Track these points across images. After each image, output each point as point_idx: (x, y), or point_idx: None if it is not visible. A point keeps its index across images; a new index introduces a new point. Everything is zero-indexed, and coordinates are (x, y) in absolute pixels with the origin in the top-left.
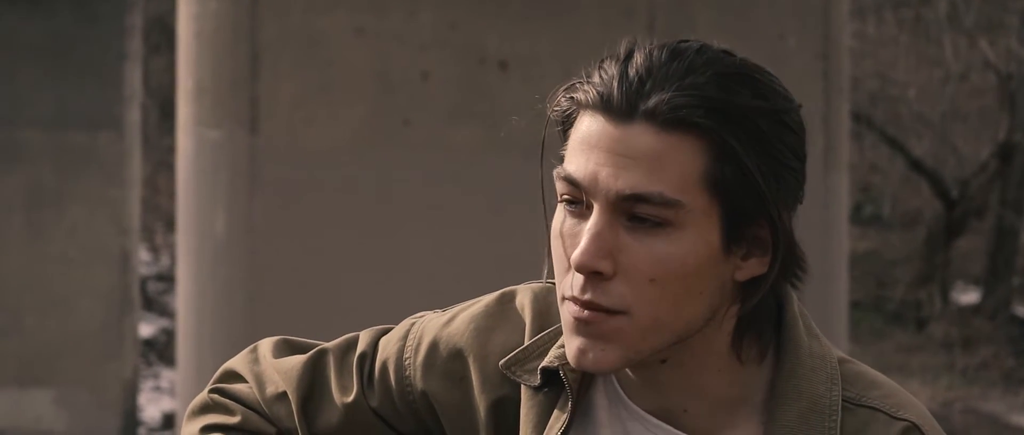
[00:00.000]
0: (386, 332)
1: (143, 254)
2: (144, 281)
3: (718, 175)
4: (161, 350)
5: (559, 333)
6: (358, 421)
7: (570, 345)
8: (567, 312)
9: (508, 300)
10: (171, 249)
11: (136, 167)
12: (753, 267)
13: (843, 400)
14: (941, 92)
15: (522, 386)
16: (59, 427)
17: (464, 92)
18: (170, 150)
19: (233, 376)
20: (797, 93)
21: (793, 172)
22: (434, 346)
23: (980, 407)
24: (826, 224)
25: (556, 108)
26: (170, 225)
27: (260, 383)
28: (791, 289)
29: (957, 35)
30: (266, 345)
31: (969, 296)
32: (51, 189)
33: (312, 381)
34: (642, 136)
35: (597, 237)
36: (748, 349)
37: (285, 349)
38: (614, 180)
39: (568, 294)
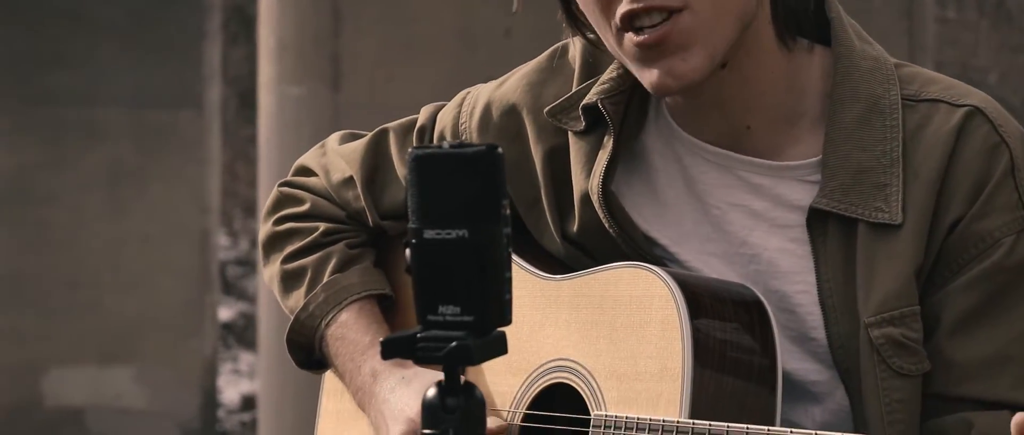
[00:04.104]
0: (443, 107)
1: (222, 239)
2: (223, 266)
3: None
4: (240, 333)
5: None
6: None
7: (648, 76)
8: (630, 44)
9: (561, 54)
10: (250, 234)
11: (215, 145)
12: None
13: (903, 98)
14: (1023, 77)
15: (569, 133)
16: (139, 404)
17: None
18: (249, 140)
19: (304, 171)
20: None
21: None
22: (488, 107)
23: None
24: None
25: None
26: (249, 211)
27: (327, 172)
28: None
29: None
30: (333, 137)
31: None
32: (131, 168)
33: (375, 159)
34: None
35: None
36: (793, 39)
37: (349, 138)
38: None
39: (620, 22)
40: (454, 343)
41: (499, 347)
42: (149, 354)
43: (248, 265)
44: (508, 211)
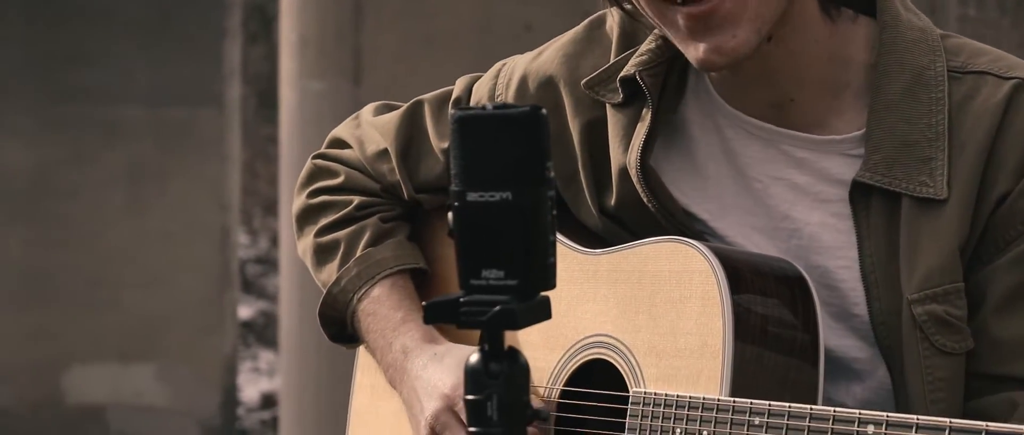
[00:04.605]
0: (479, 78)
1: (242, 237)
2: (243, 264)
3: None
4: (260, 332)
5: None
6: None
7: (693, 51)
8: (677, 16)
9: (598, 24)
10: (270, 232)
11: (235, 143)
12: None
13: (949, 70)
14: None
15: (607, 106)
16: (160, 402)
17: None
18: (269, 138)
19: (338, 142)
20: None
21: None
22: (524, 79)
23: None
24: None
25: None
26: (268, 209)
27: (362, 143)
28: None
29: None
30: (368, 109)
31: None
32: (152, 166)
33: (410, 131)
34: None
35: None
36: (837, 9)
37: (384, 109)
38: None
39: None
40: (498, 307)
41: (543, 312)
42: (169, 352)
43: (268, 263)
44: (552, 173)
